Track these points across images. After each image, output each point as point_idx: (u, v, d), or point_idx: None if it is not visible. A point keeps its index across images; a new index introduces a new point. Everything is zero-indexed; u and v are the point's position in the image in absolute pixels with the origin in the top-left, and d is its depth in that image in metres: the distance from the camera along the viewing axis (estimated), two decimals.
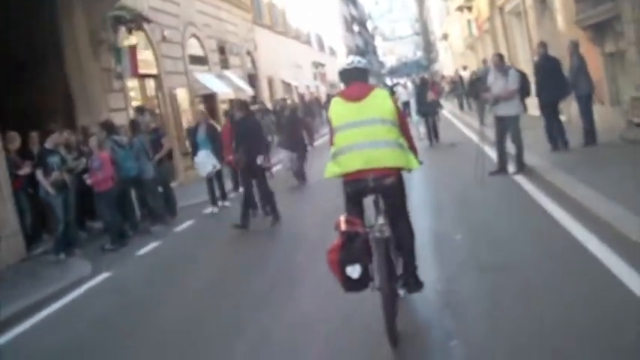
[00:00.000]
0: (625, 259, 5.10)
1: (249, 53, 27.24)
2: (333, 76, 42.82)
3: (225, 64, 23.31)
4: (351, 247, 4.18)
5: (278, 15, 34.97)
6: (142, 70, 15.86)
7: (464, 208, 8.43)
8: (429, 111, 16.57)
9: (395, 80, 56.14)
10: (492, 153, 10.87)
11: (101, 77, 14.08)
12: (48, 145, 9.73)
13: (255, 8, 29.56)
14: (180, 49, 18.93)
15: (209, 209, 11.63)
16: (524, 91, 9.87)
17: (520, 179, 9.43)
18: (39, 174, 9.44)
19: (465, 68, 30.73)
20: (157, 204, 11.14)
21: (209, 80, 20.15)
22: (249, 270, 7.27)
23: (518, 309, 4.63)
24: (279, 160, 14.30)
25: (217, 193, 11.76)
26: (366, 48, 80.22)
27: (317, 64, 46.38)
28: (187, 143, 14.93)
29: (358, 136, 4.53)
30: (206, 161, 11.32)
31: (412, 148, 4.85)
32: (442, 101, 21.81)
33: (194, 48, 20.44)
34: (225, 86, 21.23)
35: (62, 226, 9.46)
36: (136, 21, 14.84)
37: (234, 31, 25.14)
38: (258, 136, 9.82)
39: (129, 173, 10.63)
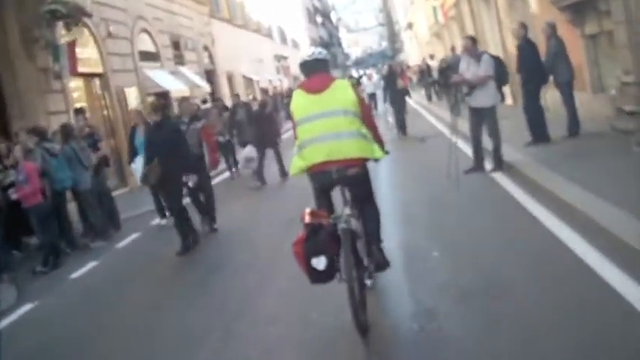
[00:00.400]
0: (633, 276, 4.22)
1: (206, 48, 26.09)
2: (296, 69, 41.58)
3: (180, 60, 22.13)
4: (316, 239, 4.14)
5: (237, 8, 33.81)
6: (85, 69, 14.81)
7: (438, 215, 7.37)
8: (397, 98, 16.11)
9: (361, 71, 55.28)
10: (467, 148, 9.90)
11: (37, 78, 12.87)
12: None
13: (212, 1, 28.44)
14: (129, 45, 17.72)
15: (156, 220, 10.44)
16: (501, 78, 8.86)
17: (499, 177, 8.41)
18: None
19: (432, 57, 29.80)
20: (97, 217, 9.95)
21: (161, 77, 18.90)
22: (189, 301, 6.19)
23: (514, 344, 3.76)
24: (244, 158, 13.10)
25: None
26: (330, 40, 79.36)
27: (279, 58, 45.48)
28: None
29: (321, 128, 4.48)
30: None
31: (377, 137, 4.76)
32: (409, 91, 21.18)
33: (145, 44, 19.21)
34: (180, 83, 20.08)
35: None
36: (74, 16, 13.54)
37: (189, 25, 23.99)
38: (177, 146, 8.01)
39: (63, 185, 9.56)
